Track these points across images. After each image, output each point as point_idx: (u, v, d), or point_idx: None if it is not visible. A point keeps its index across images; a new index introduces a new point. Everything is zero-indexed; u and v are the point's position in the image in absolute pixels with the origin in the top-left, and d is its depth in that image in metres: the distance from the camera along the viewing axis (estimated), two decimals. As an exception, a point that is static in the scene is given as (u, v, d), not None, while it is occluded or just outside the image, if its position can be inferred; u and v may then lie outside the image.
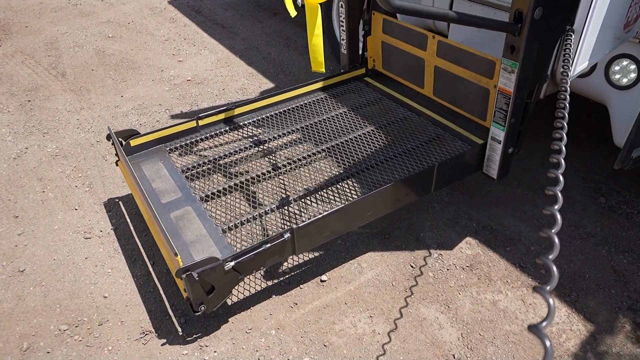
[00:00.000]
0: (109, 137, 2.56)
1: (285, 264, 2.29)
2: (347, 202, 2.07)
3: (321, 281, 2.26)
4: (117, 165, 2.72)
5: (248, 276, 2.23)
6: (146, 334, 2.05)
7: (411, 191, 2.28)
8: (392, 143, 2.63)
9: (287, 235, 1.95)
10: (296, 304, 2.16)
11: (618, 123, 2.35)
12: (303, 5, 2.21)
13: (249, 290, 2.23)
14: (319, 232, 2.06)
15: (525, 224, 2.54)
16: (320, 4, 2.16)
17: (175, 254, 1.82)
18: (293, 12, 2.34)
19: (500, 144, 2.25)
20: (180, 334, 2.05)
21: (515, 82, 2.03)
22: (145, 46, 4.70)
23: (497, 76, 2.15)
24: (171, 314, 2.13)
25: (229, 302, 2.18)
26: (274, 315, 2.12)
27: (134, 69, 4.27)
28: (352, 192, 2.35)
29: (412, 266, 2.32)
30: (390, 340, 2.01)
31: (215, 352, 1.97)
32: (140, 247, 2.47)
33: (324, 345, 1.99)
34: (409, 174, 2.30)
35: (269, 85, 3.97)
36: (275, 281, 2.26)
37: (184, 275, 1.77)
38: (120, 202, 2.77)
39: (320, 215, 2.00)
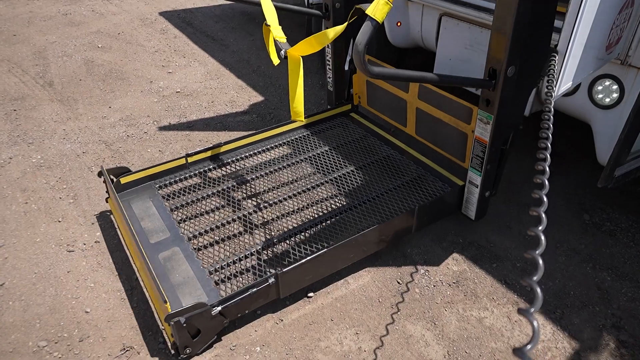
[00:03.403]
0: (100, 174, 2.60)
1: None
2: (329, 247, 2.14)
3: (307, 297, 2.24)
4: (107, 202, 2.74)
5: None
6: (127, 350, 2.01)
7: (392, 233, 2.37)
8: (375, 183, 2.75)
9: (271, 280, 2.02)
10: (282, 320, 2.14)
11: (601, 142, 2.39)
12: (286, 57, 2.24)
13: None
14: (303, 276, 2.15)
15: (511, 240, 2.55)
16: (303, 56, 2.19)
17: (165, 301, 1.85)
18: (276, 61, 2.37)
19: (477, 188, 2.35)
20: (163, 350, 2.01)
21: (490, 132, 2.13)
22: (135, 57, 4.68)
23: (475, 122, 2.24)
24: (154, 329, 2.09)
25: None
26: (259, 332, 2.09)
27: (122, 80, 4.25)
28: (337, 232, 2.43)
29: (398, 282, 2.32)
30: (376, 357, 1.99)
31: (198, 369, 1.94)
32: (124, 261, 2.43)
33: (309, 363, 1.97)
34: (390, 218, 2.39)
35: (259, 98, 3.98)
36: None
37: (172, 322, 1.81)
38: (105, 215, 2.73)
39: (303, 260, 2.07)
